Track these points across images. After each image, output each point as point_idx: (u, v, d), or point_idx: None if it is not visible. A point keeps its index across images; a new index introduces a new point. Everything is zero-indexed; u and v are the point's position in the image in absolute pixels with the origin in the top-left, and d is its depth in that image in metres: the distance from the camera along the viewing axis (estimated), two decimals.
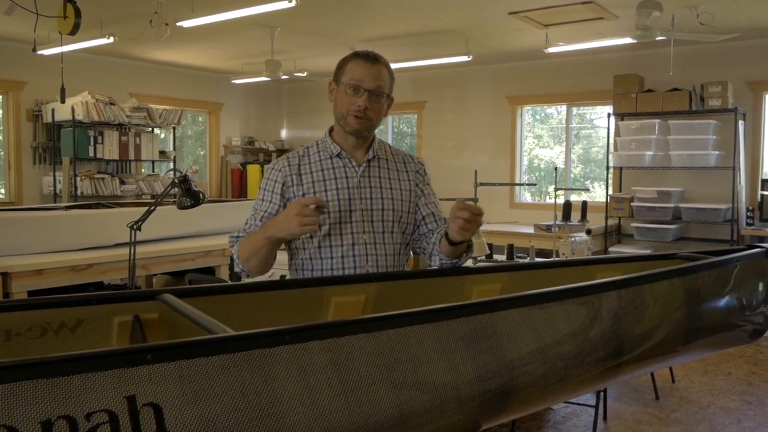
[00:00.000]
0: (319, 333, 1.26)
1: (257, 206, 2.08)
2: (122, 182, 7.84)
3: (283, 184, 2.02)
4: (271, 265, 2.04)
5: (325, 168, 2.03)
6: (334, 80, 2.02)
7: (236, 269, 2.08)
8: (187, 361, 1.10)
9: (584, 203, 7.11)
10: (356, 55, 1.99)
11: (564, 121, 8.28)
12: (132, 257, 3.17)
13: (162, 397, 1.05)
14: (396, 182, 2.08)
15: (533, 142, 8.75)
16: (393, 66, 2.10)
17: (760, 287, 2.23)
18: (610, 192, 7.35)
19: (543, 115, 8.72)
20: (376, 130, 2.12)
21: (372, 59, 1.98)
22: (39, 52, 6.13)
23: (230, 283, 3.75)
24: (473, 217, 1.85)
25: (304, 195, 1.99)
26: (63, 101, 6.05)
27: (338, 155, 2.04)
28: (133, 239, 3.13)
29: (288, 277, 2.13)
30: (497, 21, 6.05)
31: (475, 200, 2.02)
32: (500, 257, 4.69)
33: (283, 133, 10.74)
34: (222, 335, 1.21)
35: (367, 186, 2.03)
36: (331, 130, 2.10)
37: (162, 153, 8.31)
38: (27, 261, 3.95)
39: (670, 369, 4.28)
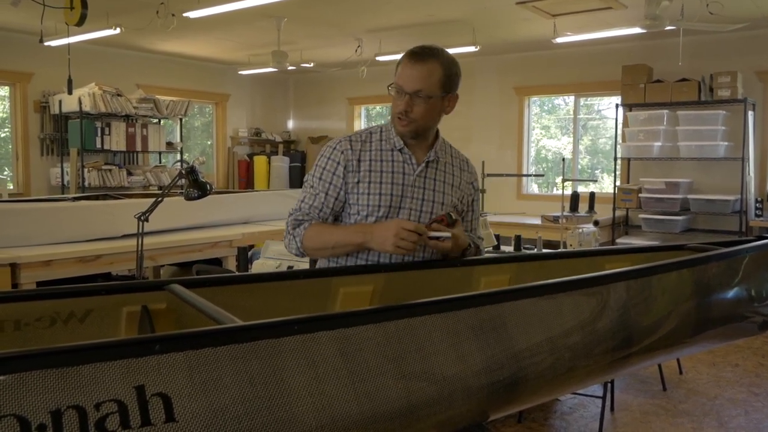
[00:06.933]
0: (328, 323, 1.26)
1: (315, 184, 2.02)
2: (129, 173, 7.85)
3: (345, 167, 1.98)
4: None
5: (384, 159, 2.00)
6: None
7: (293, 251, 2.04)
8: (195, 351, 1.10)
9: (592, 194, 7.06)
10: (406, 54, 1.93)
11: (572, 112, 8.24)
12: (140, 248, 3.18)
13: (171, 387, 1.05)
14: (449, 188, 2.06)
15: (540, 133, 8.71)
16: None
17: None
18: (618, 183, 7.31)
19: (550, 105, 8.68)
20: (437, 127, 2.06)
21: (417, 58, 1.91)
22: (46, 44, 6.13)
23: (238, 273, 3.75)
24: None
25: (358, 182, 1.97)
26: (70, 92, 6.06)
27: (400, 150, 2.00)
28: (140, 230, 3.14)
29: (319, 264, 2.12)
30: (505, 11, 6.01)
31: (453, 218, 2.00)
32: (508, 248, 4.68)
33: (290, 124, 10.73)
34: (230, 325, 1.21)
35: (421, 187, 2.00)
36: None
37: (169, 144, 8.32)
38: (35, 252, 3.96)
39: (678, 360, 4.27)
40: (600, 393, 3.46)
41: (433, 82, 1.91)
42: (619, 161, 7.31)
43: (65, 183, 7.48)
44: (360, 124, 9.81)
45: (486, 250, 4.33)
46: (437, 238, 1.91)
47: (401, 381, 1.28)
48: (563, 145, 8.46)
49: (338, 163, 1.99)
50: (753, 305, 2.17)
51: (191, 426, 1.04)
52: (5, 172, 7.65)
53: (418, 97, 1.90)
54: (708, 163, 6.90)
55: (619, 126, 7.22)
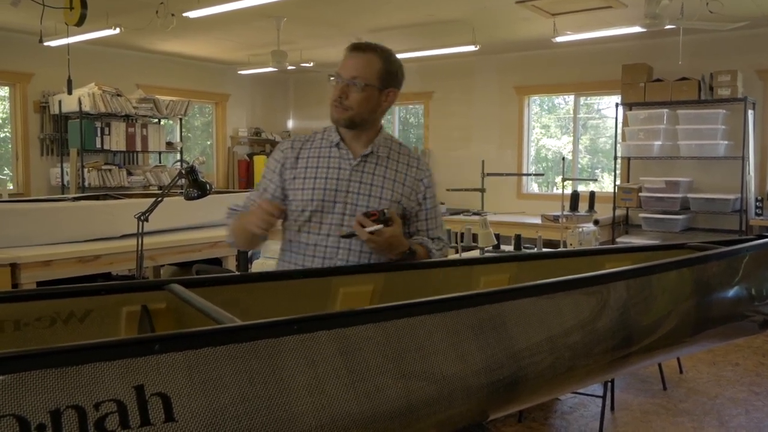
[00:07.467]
0: (327, 323, 1.26)
1: (260, 183, 2.14)
2: (129, 173, 7.85)
3: (283, 165, 2.07)
4: (257, 244, 2.13)
5: (321, 156, 2.05)
6: None
7: (226, 240, 2.15)
8: (195, 351, 1.10)
9: (592, 194, 7.08)
10: (348, 46, 2.00)
11: (572, 111, 8.24)
12: (140, 248, 3.18)
13: (170, 386, 1.05)
14: (390, 182, 2.04)
15: (540, 133, 8.71)
16: (399, 56, 2.06)
17: None
18: (618, 182, 7.31)
19: (550, 105, 8.68)
20: (382, 121, 2.11)
21: (356, 49, 1.98)
22: (46, 44, 6.13)
23: (238, 273, 3.76)
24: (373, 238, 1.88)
25: (294, 178, 2.04)
26: (70, 93, 6.06)
27: (337, 145, 2.05)
28: (140, 230, 3.14)
29: (277, 259, 2.17)
30: (504, 10, 6.01)
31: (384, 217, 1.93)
32: (508, 248, 4.68)
33: (290, 124, 10.73)
34: (230, 325, 1.21)
35: (357, 181, 2.02)
36: None
37: (169, 144, 8.32)
38: (35, 252, 3.96)
39: (678, 360, 4.27)
40: (600, 392, 3.47)
41: (371, 72, 1.96)
42: (619, 160, 7.31)
43: (65, 183, 7.48)
44: None
45: (486, 249, 4.33)
46: (372, 232, 1.88)
47: (401, 380, 1.28)
48: (563, 145, 8.46)
49: (277, 161, 2.09)
50: (753, 304, 2.17)
51: (191, 426, 1.04)
52: (5, 172, 7.65)
53: (354, 84, 1.95)
54: (708, 162, 6.90)
55: (619, 125, 7.22)
